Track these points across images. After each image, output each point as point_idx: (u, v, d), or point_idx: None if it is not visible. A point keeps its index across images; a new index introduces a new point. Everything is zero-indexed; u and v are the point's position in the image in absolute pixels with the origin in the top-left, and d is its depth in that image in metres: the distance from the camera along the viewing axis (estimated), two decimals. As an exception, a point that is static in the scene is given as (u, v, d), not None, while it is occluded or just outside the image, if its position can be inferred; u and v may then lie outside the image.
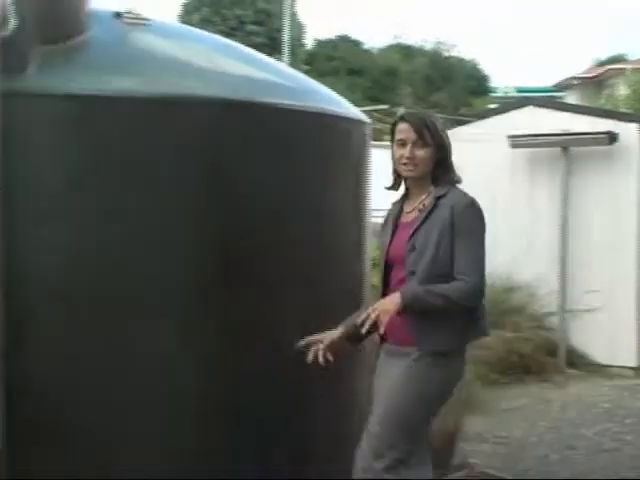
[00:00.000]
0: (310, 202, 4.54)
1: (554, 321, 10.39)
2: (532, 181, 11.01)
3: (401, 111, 4.14)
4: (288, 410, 4.38)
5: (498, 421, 7.52)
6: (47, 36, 3.98)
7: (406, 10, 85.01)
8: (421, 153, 3.96)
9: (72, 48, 4.13)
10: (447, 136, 4.07)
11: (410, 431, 3.97)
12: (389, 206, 4.26)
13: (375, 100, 38.48)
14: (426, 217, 3.93)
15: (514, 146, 10.84)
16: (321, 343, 4.03)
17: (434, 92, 47.58)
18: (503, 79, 45.91)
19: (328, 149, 4.72)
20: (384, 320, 3.76)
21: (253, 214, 4.27)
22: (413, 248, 3.91)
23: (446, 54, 49.44)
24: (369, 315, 3.79)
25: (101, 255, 3.95)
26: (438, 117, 4.16)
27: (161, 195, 4.03)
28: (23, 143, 3.82)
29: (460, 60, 49.97)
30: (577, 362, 10.17)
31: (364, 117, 5.22)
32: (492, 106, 16.02)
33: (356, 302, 4.88)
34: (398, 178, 4.11)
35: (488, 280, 4.07)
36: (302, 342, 4.07)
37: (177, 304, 4.09)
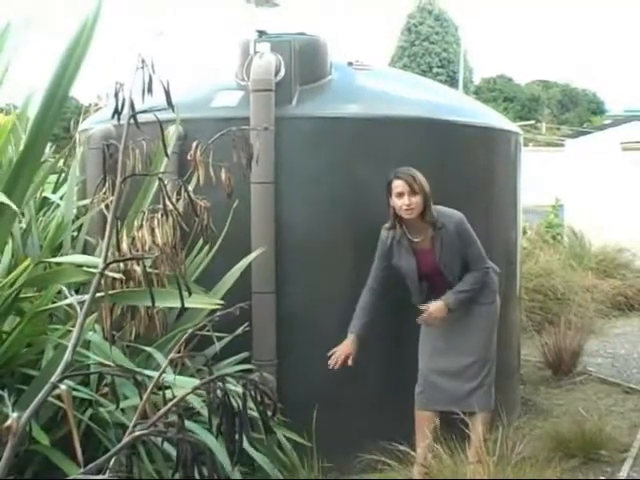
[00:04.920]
0: (482, 189, 4.37)
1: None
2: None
3: (393, 172, 3.59)
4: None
5: (609, 342, 7.00)
6: (304, 79, 3.98)
7: (545, 52, 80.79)
8: (415, 199, 3.54)
9: (320, 87, 4.10)
10: (426, 183, 3.57)
11: (493, 351, 3.82)
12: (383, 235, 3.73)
13: (523, 118, 37.03)
14: (441, 243, 3.62)
15: (624, 149, 10.15)
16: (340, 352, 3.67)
17: (565, 112, 45.31)
18: (616, 102, 43.15)
19: (495, 152, 4.54)
20: (435, 320, 3.66)
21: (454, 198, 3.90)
22: (445, 266, 3.66)
23: (573, 85, 47.18)
24: (429, 310, 3.64)
25: (326, 223, 3.91)
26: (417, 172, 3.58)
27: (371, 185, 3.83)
28: (288, 150, 3.81)
29: (584, 89, 47.60)
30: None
31: (517, 129, 4.97)
32: (607, 122, 15.00)
33: (511, 264, 4.68)
34: (397, 220, 3.65)
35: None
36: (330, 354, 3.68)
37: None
